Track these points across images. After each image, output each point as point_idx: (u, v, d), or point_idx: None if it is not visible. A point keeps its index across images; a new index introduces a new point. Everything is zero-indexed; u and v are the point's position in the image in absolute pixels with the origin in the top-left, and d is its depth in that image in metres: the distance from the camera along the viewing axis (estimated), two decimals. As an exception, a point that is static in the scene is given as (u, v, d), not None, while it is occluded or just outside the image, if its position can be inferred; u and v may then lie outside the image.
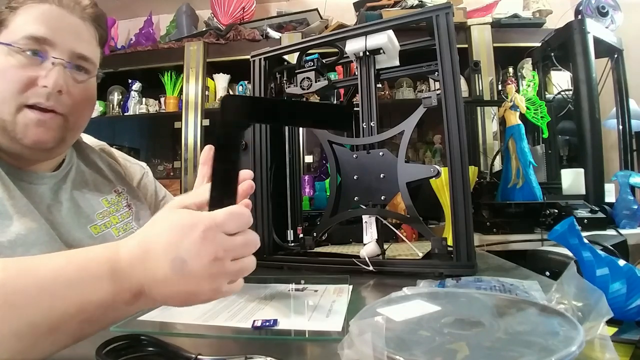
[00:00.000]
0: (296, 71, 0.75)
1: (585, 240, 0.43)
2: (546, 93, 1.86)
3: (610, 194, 1.44)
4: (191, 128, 2.10)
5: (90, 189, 0.66)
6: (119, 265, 0.31)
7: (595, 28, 1.54)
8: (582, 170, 1.44)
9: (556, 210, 1.24)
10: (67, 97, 0.56)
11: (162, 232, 0.32)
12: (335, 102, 1.03)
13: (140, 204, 0.74)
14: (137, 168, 0.81)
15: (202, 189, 0.37)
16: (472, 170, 0.99)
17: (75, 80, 0.57)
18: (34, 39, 0.53)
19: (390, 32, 0.68)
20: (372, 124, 0.67)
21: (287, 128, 0.80)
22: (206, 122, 2.09)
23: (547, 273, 0.69)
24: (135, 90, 2.23)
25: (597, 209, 1.27)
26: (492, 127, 1.87)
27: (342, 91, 1.45)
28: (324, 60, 0.76)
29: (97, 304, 0.30)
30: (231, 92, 2.25)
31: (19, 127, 0.53)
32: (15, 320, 0.28)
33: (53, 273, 0.30)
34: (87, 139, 0.75)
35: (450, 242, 0.59)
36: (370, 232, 0.66)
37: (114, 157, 0.78)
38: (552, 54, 1.66)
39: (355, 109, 0.97)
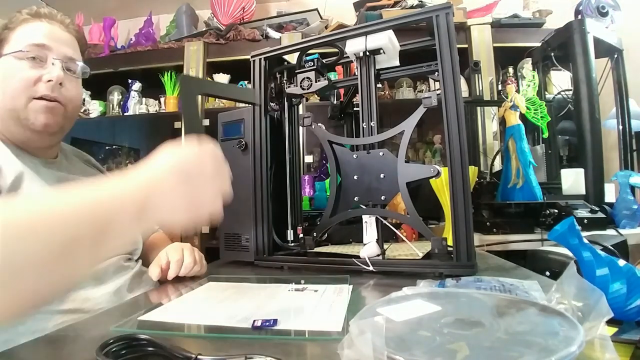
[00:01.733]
0: (296, 71, 0.75)
1: (585, 240, 0.43)
2: (546, 93, 1.86)
3: (610, 194, 1.44)
4: (191, 128, 2.09)
5: (82, 178, 0.75)
6: (127, 185, 0.37)
7: (595, 28, 1.54)
8: (582, 170, 1.44)
9: (556, 210, 1.24)
10: (65, 90, 0.68)
11: (165, 157, 0.41)
12: (335, 102, 1.03)
13: None
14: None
15: None
16: (472, 170, 0.99)
17: (70, 76, 0.70)
18: (36, 46, 0.66)
19: (390, 32, 0.68)
20: (372, 124, 0.67)
21: (287, 128, 0.80)
22: (206, 122, 2.08)
23: (547, 273, 0.69)
24: (135, 90, 2.23)
25: (597, 209, 1.27)
26: (492, 127, 1.87)
27: (342, 91, 1.45)
28: (324, 60, 0.76)
29: (103, 220, 0.34)
30: (231, 92, 2.25)
31: (30, 114, 0.65)
32: (32, 240, 0.30)
33: (60, 196, 0.34)
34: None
35: (450, 242, 0.59)
36: (370, 232, 0.66)
37: (93, 164, 0.87)
38: (552, 54, 1.66)
39: (355, 109, 0.97)
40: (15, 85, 0.64)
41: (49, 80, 0.65)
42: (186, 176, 0.39)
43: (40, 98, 0.65)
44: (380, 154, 0.66)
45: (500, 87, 1.93)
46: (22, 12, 0.69)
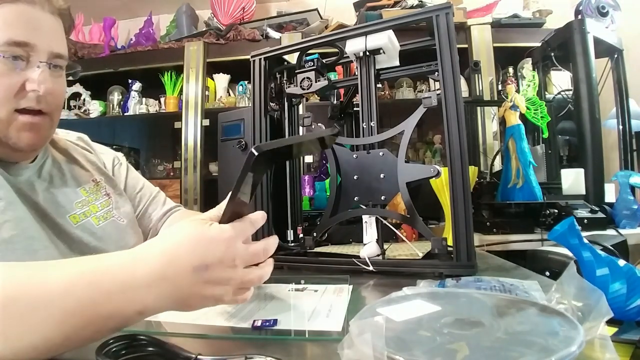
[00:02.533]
0: (296, 71, 0.75)
1: (585, 240, 0.43)
2: (546, 93, 1.86)
3: (610, 194, 1.44)
4: (191, 128, 2.10)
5: (67, 179, 0.66)
6: (135, 284, 0.32)
7: (595, 28, 1.54)
8: (582, 170, 1.44)
9: (556, 210, 1.24)
10: (51, 96, 0.57)
11: (182, 241, 0.34)
12: (335, 102, 1.03)
13: (119, 193, 0.73)
14: (110, 157, 0.80)
15: (215, 208, 0.39)
16: (472, 170, 0.99)
17: (54, 79, 0.58)
18: (16, 44, 0.53)
19: (390, 32, 0.68)
20: (372, 124, 0.67)
21: (287, 128, 0.80)
22: (206, 122, 2.09)
23: (547, 273, 0.69)
24: (135, 90, 2.23)
25: (597, 209, 1.27)
26: (492, 127, 1.87)
27: (342, 91, 1.45)
28: (324, 60, 0.76)
29: (106, 316, 0.31)
30: (231, 92, 2.25)
31: (12, 132, 0.55)
32: (29, 334, 0.29)
33: (64, 287, 0.30)
34: (63, 132, 0.75)
35: (450, 242, 0.59)
36: (370, 232, 0.66)
37: (89, 147, 0.77)
38: (552, 54, 1.66)
39: (355, 109, 0.97)
40: None
41: (34, 91, 0.54)
42: (178, 284, 0.33)
43: (23, 110, 0.55)
44: (380, 154, 0.66)
45: (500, 87, 1.93)
46: None
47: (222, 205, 0.37)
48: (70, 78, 0.65)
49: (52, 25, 0.58)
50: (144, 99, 2.25)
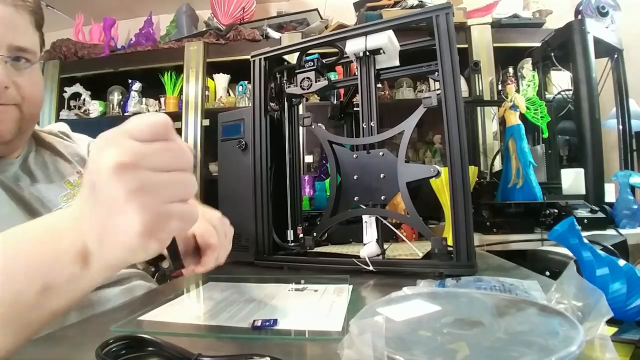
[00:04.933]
0: (296, 71, 0.75)
1: (585, 240, 0.43)
2: (546, 93, 1.86)
3: (610, 194, 1.44)
4: (191, 128, 2.10)
5: (51, 173, 0.66)
6: (61, 224, 0.29)
7: (595, 28, 1.54)
8: (582, 170, 1.44)
9: (556, 210, 1.24)
10: (14, 90, 0.55)
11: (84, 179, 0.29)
12: (335, 102, 1.03)
13: None
14: (84, 144, 0.79)
15: None
16: (472, 170, 0.99)
17: (19, 72, 0.57)
18: None
19: (390, 32, 0.68)
20: (372, 124, 0.67)
21: (287, 128, 0.80)
22: (206, 122, 2.09)
23: (547, 273, 0.69)
24: (135, 91, 2.23)
25: (597, 209, 1.27)
26: (492, 127, 1.87)
27: (342, 91, 1.45)
28: (324, 60, 0.76)
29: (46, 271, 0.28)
30: (231, 92, 2.25)
31: None
32: None
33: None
34: (46, 127, 0.74)
35: (450, 242, 0.59)
36: (370, 232, 0.66)
37: (70, 138, 0.76)
38: (552, 54, 1.66)
39: (355, 109, 0.97)
40: None
41: None
42: (95, 195, 0.26)
43: None
44: (380, 154, 0.66)
45: (500, 87, 1.93)
46: None
47: None
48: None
49: (12, 18, 0.55)
50: (144, 99, 2.25)
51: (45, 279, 0.28)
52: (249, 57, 0.78)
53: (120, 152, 0.25)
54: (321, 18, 2.21)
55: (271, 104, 0.78)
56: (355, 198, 0.67)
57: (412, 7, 1.88)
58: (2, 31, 0.54)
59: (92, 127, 2.30)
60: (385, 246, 0.68)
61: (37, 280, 0.28)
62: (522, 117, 1.36)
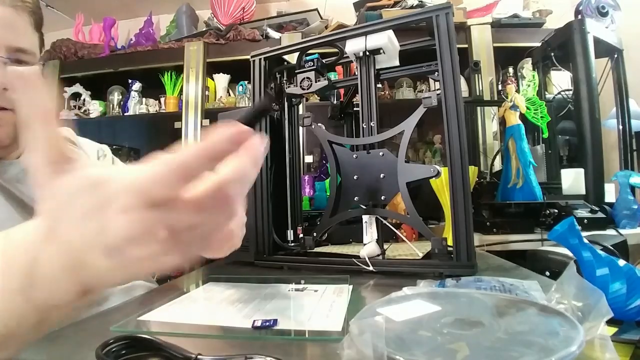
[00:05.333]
0: (296, 71, 0.75)
1: (585, 240, 0.43)
2: (546, 93, 1.86)
3: (610, 194, 1.44)
4: (191, 128, 2.10)
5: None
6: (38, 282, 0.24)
7: (595, 28, 1.54)
8: (582, 170, 1.44)
9: (556, 210, 1.24)
10: (13, 92, 0.55)
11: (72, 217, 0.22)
12: (335, 102, 1.03)
13: None
14: (93, 149, 0.79)
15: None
16: (472, 170, 0.99)
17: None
18: None
19: (390, 32, 0.68)
20: (372, 124, 0.67)
21: (287, 128, 0.80)
22: (206, 122, 2.09)
23: (547, 273, 0.69)
24: (135, 90, 2.23)
25: (597, 209, 1.27)
26: (492, 127, 1.87)
27: (342, 91, 1.45)
28: (324, 60, 0.76)
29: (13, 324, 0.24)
30: (231, 92, 2.25)
31: None
32: None
33: None
34: None
35: (450, 242, 0.59)
36: (370, 232, 0.66)
37: (74, 142, 0.76)
38: (552, 54, 1.66)
39: (355, 109, 0.97)
40: None
41: None
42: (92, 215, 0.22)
43: None
44: (380, 154, 0.66)
45: (500, 87, 1.93)
46: None
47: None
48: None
49: (12, 20, 0.54)
50: (144, 99, 2.25)
51: (43, 314, 0.25)
52: (249, 57, 0.78)
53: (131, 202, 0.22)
54: (321, 18, 2.21)
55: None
56: (355, 198, 0.67)
57: (412, 7, 1.88)
58: (1, 32, 0.53)
59: (92, 127, 2.31)
60: (385, 246, 0.68)
61: (33, 316, 0.25)
62: (522, 117, 1.36)
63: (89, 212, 0.21)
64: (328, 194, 0.79)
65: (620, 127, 1.72)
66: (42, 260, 0.23)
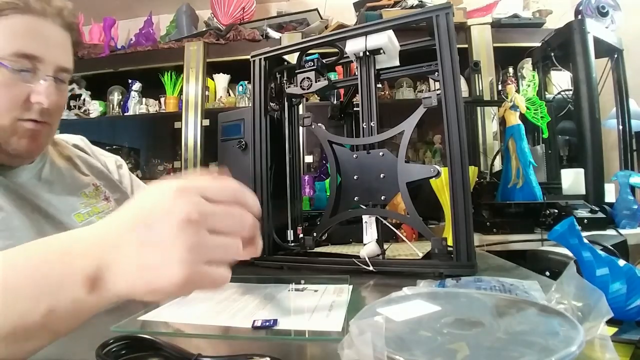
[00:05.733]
0: (296, 71, 0.75)
1: (585, 240, 0.43)
2: (546, 93, 1.86)
3: (610, 194, 1.44)
4: (191, 128, 2.10)
5: (67, 184, 0.67)
6: (75, 246, 0.28)
7: (595, 28, 1.54)
8: (582, 170, 1.44)
9: (556, 210, 1.24)
10: (53, 109, 0.57)
11: (129, 206, 0.29)
12: (335, 102, 1.03)
13: (117, 198, 0.74)
14: (111, 159, 0.81)
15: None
16: (472, 170, 0.99)
17: (59, 92, 0.59)
18: (25, 56, 0.53)
19: (390, 32, 0.68)
20: (372, 124, 0.67)
21: (287, 128, 0.80)
22: (206, 122, 2.09)
23: (547, 273, 0.69)
24: (135, 91, 2.23)
25: (597, 209, 1.27)
26: (492, 127, 1.87)
27: (342, 91, 1.45)
28: (324, 60, 0.76)
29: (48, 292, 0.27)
30: (231, 92, 2.25)
31: (12, 139, 0.55)
32: None
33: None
34: (63, 136, 0.76)
35: (450, 242, 0.59)
36: (370, 232, 0.66)
37: (89, 150, 0.78)
38: (552, 54, 1.66)
39: (355, 109, 0.97)
40: None
41: (38, 103, 0.55)
42: (148, 233, 0.27)
43: (26, 119, 0.55)
44: (380, 154, 0.66)
45: (500, 87, 1.93)
46: None
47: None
48: (74, 87, 0.64)
49: (61, 39, 0.58)
50: (144, 99, 2.25)
51: (51, 301, 0.27)
52: (249, 57, 0.78)
53: (191, 208, 0.27)
54: (321, 18, 2.21)
55: (271, 104, 0.78)
56: (355, 198, 0.67)
57: (412, 7, 1.88)
58: (53, 52, 0.56)
59: (92, 127, 2.31)
60: (385, 246, 0.68)
61: (43, 302, 0.26)
62: (522, 117, 1.36)
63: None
64: (328, 194, 0.79)
65: (620, 127, 1.72)
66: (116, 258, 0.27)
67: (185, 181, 0.29)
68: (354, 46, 0.70)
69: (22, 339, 0.27)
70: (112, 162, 0.80)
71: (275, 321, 0.38)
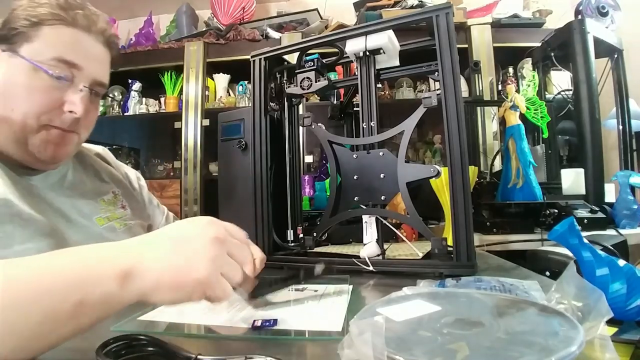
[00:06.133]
0: (296, 71, 0.75)
1: (585, 240, 0.43)
2: (546, 93, 1.86)
3: (610, 194, 1.44)
4: (191, 128, 2.10)
5: (88, 190, 0.68)
6: (114, 247, 0.33)
7: (595, 28, 1.54)
8: (582, 170, 1.44)
9: (556, 210, 1.24)
10: (83, 119, 0.59)
11: (167, 226, 0.37)
12: (335, 102, 1.03)
13: (136, 204, 0.76)
14: (132, 172, 0.84)
15: None
16: (472, 170, 0.99)
17: (93, 104, 0.61)
18: (65, 62, 0.55)
19: (390, 32, 0.68)
20: (372, 124, 0.67)
21: (287, 128, 0.80)
22: (206, 122, 2.09)
23: (547, 273, 0.69)
24: (135, 90, 2.23)
25: (597, 209, 1.27)
26: (492, 127, 1.87)
27: (342, 91, 1.45)
28: (324, 60, 0.76)
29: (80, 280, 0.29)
30: (231, 92, 2.25)
31: (39, 143, 0.55)
32: (18, 322, 0.27)
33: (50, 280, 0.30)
34: (86, 145, 0.77)
35: (450, 242, 0.59)
36: (370, 232, 0.66)
37: (108, 160, 0.80)
38: (552, 54, 1.66)
39: (355, 109, 0.97)
40: (31, 104, 0.53)
41: (71, 112, 0.56)
42: (183, 241, 0.34)
43: (54, 126, 0.56)
44: (380, 154, 0.66)
45: (500, 87, 1.93)
46: (54, 5, 0.55)
47: None
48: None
49: (101, 55, 0.61)
50: (144, 99, 2.25)
51: (83, 293, 0.29)
52: (249, 57, 0.78)
53: (219, 233, 0.36)
54: (321, 18, 2.21)
55: (271, 104, 0.78)
56: (355, 198, 0.67)
57: (412, 7, 1.88)
58: (92, 65, 0.58)
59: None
60: (385, 246, 0.68)
61: (75, 293, 0.29)
62: (522, 117, 1.36)
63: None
64: (328, 194, 0.79)
65: (620, 127, 1.73)
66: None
67: (213, 218, 0.38)
68: (354, 46, 0.70)
69: (48, 329, 0.28)
70: (132, 173, 0.83)
71: (275, 321, 0.38)
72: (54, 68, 0.54)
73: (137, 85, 2.23)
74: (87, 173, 0.71)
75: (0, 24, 0.56)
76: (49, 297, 0.28)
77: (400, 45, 0.72)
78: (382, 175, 0.65)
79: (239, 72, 2.12)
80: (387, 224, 0.67)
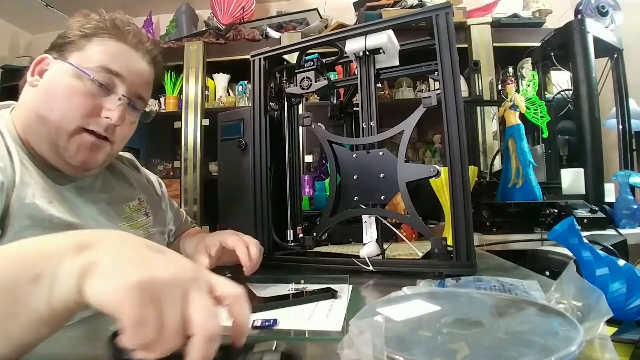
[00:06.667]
0: (296, 71, 0.75)
1: (585, 240, 0.43)
2: (546, 93, 1.86)
3: (610, 194, 1.44)
4: (191, 128, 2.10)
5: (116, 194, 0.69)
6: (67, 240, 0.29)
7: (595, 28, 1.54)
8: (582, 170, 1.44)
9: (556, 210, 1.23)
10: (120, 130, 0.61)
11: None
12: (335, 102, 1.03)
13: (159, 211, 0.78)
14: (155, 178, 0.85)
15: None
16: (472, 170, 0.99)
17: (130, 117, 0.62)
18: (109, 71, 0.57)
19: (390, 32, 0.68)
20: (372, 124, 0.67)
21: (287, 128, 0.80)
22: (206, 122, 2.09)
23: (547, 273, 0.69)
24: (135, 90, 2.23)
25: (597, 209, 1.27)
26: (492, 127, 1.87)
27: (342, 91, 1.45)
28: (324, 60, 0.76)
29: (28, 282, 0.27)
30: (231, 92, 2.25)
31: (72, 147, 0.56)
32: None
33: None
34: None
35: (450, 242, 0.59)
36: (370, 232, 0.66)
37: (137, 167, 0.82)
38: (552, 54, 1.66)
39: (355, 109, 0.97)
40: (70, 106, 0.55)
41: (108, 118, 0.57)
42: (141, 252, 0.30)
43: (91, 132, 0.57)
44: (380, 154, 0.66)
45: (500, 87, 1.93)
46: (106, 22, 0.59)
47: None
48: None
49: (145, 72, 0.63)
50: (144, 99, 2.24)
51: (40, 268, 0.27)
52: (249, 57, 0.78)
53: (198, 275, 0.30)
54: (321, 18, 2.21)
55: (271, 104, 0.78)
56: (355, 198, 0.67)
57: (412, 7, 1.88)
58: (135, 79, 0.60)
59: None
60: (385, 246, 0.68)
61: (32, 269, 0.27)
62: (522, 117, 1.36)
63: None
64: (328, 194, 0.79)
65: (620, 127, 1.72)
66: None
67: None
68: (354, 46, 0.70)
69: (10, 311, 0.27)
70: (155, 179, 0.84)
71: (275, 321, 0.38)
72: (98, 75, 0.56)
73: (137, 85, 2.23)
74: (116, 179, 0.72)
75: (57, 37, 0.60)
76: (6, 275, 0.27)
77: (400, 45, 0.72)
78: (382, 175, 0.65)
79: (239, 72, 2.12)
80: (387, 224, 0.67)
